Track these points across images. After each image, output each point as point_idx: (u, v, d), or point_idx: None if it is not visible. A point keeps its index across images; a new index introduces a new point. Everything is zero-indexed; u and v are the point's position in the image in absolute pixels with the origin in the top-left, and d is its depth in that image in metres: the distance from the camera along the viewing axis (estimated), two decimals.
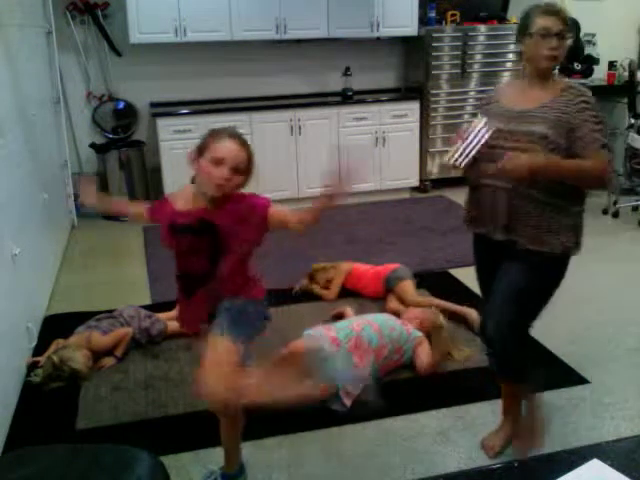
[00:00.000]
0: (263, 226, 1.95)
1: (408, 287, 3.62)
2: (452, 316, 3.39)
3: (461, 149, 2.08)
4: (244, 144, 1.92)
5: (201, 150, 1.90)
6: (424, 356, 2.98)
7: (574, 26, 2.22)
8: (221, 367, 1.89)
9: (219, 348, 1.93)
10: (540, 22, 2.07)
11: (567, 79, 2.21)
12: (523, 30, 2.12)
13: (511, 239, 2.15)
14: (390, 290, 3.66)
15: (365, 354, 2.85)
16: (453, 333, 3.23)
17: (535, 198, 2.09)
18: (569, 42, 2.11)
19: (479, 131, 2.07)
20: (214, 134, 1.92)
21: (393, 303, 3.55)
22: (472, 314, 3.34)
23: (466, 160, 2.08)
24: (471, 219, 2.31)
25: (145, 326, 3.27)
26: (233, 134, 1.93)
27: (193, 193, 1.98)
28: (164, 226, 2.00)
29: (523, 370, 2.30)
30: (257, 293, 2.08)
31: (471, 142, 2.07)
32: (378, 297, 3.71)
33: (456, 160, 2.09)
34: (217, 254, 1.95)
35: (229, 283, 2.00)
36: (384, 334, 2.95)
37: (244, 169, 1.91)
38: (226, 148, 1.88)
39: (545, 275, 2.17)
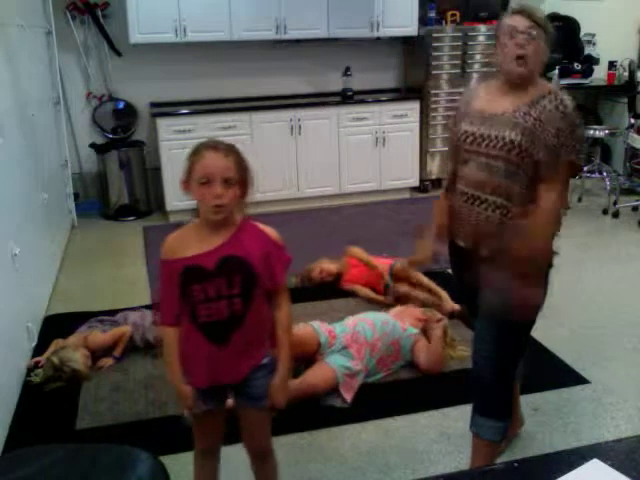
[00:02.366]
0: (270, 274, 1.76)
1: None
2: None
3: None
4: (229, 151, 1.69)
5: (188, 174, 1.69)
6: (424, 354, 2.99)
7: (550, 32, 1.96)
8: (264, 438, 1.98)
9: (261, 423, 1.94)
10: (506, 23, 1.94)
11: (551, 85, 2.02)
12: (495, 39, 2.00)
13: (483, 251, 2.02)
14: (393, 273, 3.74)
15: (362, 347, 2.89)
16: (452, 333, 3.23)
17: (495, 202, 1.97)
18: (542, 45, 1.91)
19: None
20: (194, 152, 1.70)
21: (403, 288, 3.63)
22: (446, 299, 3.49)
23: None
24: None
25: (147, 338, 3.24)
26: (213, 145, 1.70)
27: (199, 227, 1.76)
28: (174, 277, 1.72)
29: (503, 407, 2.15)
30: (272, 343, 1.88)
31: None
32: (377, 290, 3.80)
33: None
34: (249, 292, 1.74)
35: (259, 326, 1.81)
36: (377, 328, 2.99)
37: (237, 178, 1.68)
38: (208, 163, 1.66)
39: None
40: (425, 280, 3.68)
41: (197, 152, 1.69)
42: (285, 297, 1.84)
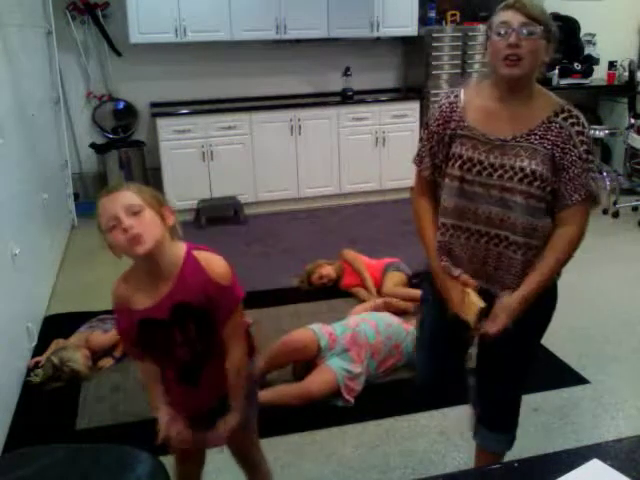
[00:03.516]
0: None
1: (395, 278, 3.78)
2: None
3: None
4: (120, 186, 1.56)
5: (102, 233, 1.59)
6: None
7: (551, 27, 1.67)
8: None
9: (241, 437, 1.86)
10: (498, 18, 1.67)
11: (555, 96, 1.75)
12: (486, 38, 1.72)
13: (489, 290, 1.81)
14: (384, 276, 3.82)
15: (362, 349, 2.88)
16: None
17: (517, 242, 1.74)
18: (542, 43, 1.64)
19: None
20: (97, 205, 1.59)
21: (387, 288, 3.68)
22: None
23: None
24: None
25: None
26: (110, 189, 1.57)
27: (141, 274, 1.61)
28: (131, 325, 1.61)
29: (512, 420, 2.04)
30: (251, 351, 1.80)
31: None
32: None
33: None
34: (206, 334, 1.63)
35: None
36: (380, 330, 2.98)
37: (144, 202, 1.53)
38: (104, 207, 1.55)
39: (534, 334, 1.92)
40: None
41: (98, 203, 1.58)
42: (236, 339, 1.67)
